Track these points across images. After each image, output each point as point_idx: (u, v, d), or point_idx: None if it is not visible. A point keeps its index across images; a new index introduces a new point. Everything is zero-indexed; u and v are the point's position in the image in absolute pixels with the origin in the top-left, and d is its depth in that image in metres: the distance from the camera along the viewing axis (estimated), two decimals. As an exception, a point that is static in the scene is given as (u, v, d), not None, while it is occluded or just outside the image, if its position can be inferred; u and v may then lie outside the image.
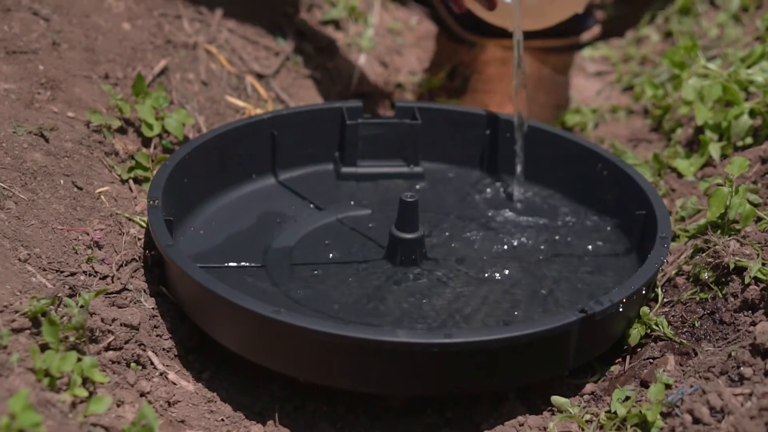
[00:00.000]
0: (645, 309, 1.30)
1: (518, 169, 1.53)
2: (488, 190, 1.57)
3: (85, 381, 1.13)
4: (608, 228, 1.49)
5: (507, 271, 1.39)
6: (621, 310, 1.23)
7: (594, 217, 1.51)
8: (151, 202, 1.32)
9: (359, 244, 1.44)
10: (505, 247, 1.44)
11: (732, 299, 1.27)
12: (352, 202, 1.53)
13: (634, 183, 1.44)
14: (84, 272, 1.29)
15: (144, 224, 1.40)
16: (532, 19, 1.58)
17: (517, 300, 1.34)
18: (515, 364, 1.22)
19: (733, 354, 1.16)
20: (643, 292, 1.28)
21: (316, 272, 1.38)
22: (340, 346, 1.17)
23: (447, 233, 1.47)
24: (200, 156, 1.45)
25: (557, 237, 1.47)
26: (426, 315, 1.31)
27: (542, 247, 1.45)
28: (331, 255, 1.41)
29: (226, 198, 1.50)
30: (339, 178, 1.57)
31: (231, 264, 1.37)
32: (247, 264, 1.38)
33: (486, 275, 1.38)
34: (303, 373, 1.23)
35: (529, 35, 1.62)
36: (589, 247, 1.46)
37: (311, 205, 1.52)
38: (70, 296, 1.23)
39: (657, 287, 1.35)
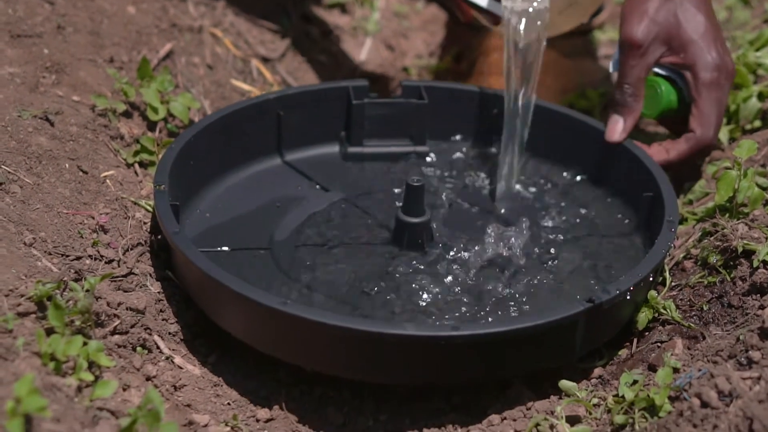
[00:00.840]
0: (653, 293, 1.30)
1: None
2: (495, 170, 1.56)
3: (91, 365, 1.13)
4: (615, 209, 1.48)
5: (514, 253, 1.39)
6: (628, 297, 1.23)
7: (601, 199, 1.50)
8: (158, 187, 1.31)
9: (366, 226, 1.43)
10: (512, 228, 1.43)
11: (740, 283, 1.27)
12: (358, 183, 1.52)
13: (642, 165, 1.43)
14: (89, 256, 1.29)
15: (150, 208, 1.40)
16: None
17: (524, 283, 1.34)
18: (522, 354, 1.21)
19: (741, 338, 1.15)
20: (651, 278, 1.27)
21: (321, 255, 1.37)
22: (347, 338, 1.16)
23: (454, 215, 1.46)
24: (206, 138, 1.44)
25: (564, 218, 1.47)
26: (433, 300, 1.30)
27: (549, 228, 1.44)
28: (337, 237, 1.41)
29: (232, 180, 1.49)
30: (345, 158, 1.57)
31: (237, 247, 1.37)
32: (253, 247, 1.37)
33: (493, 258, 1.37)
34: (309, 363, 1.22)
35: None
36: (596, 228, 1.45)
37: (317, 186, 1.51)
38: (76, 280, 1.23)
39: (665, 271, 1.35)
